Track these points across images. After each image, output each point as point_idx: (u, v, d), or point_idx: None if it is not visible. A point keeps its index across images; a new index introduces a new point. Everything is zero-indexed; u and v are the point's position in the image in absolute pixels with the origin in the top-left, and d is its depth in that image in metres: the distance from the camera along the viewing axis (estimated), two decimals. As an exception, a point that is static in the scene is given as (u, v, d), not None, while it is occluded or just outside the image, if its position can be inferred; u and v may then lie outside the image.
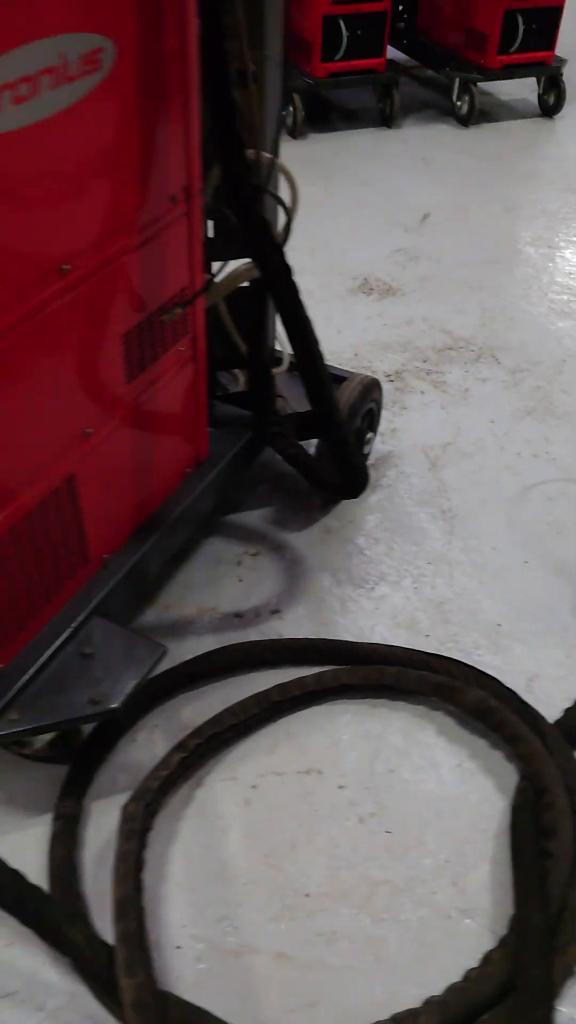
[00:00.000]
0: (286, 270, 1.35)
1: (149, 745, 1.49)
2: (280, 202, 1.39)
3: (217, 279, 1.52)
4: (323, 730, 1.53)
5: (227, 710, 1.50)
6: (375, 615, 1.73)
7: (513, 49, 3.68)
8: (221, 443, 1.75)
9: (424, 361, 2.44)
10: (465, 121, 3.82)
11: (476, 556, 1.85)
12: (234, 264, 1.59)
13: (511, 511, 1.96)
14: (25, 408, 1.17)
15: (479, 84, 3.77)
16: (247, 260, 1.52)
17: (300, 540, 1.88)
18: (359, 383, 1.86)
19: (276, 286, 1.36)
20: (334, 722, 1.54)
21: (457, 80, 3.79)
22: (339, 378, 2.01)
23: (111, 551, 1.50)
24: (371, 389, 1.91)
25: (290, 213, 1.49)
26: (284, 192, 1.54)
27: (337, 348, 2.45)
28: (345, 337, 2.50)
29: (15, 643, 1.32)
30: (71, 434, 1.28)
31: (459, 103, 3.82)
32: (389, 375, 2.37)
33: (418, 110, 4.01)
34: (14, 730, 1.27)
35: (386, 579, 1.80)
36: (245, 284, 1.57)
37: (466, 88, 3.77)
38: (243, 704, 1.51)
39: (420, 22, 4.09)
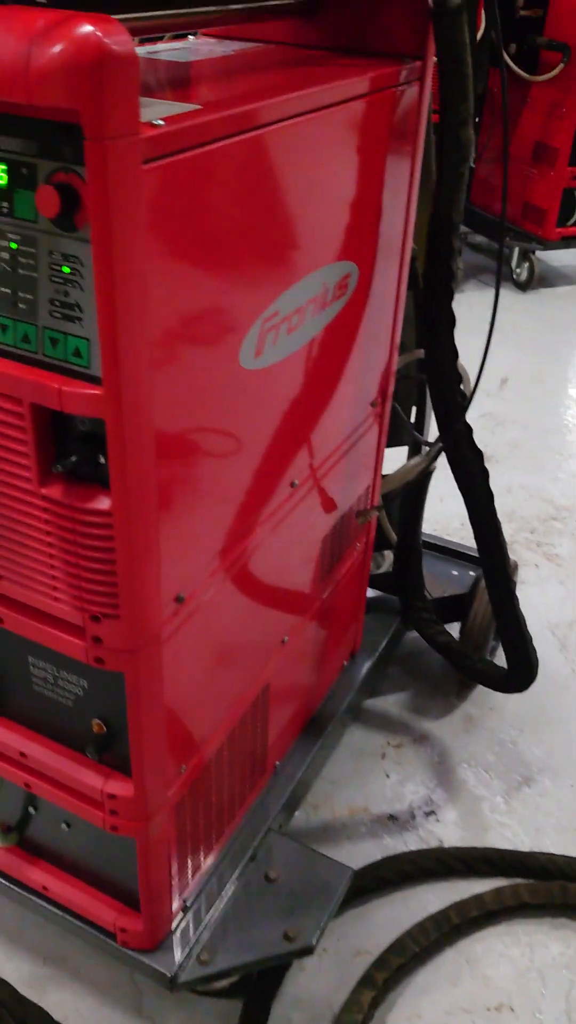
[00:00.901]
0: (485, 475, 1.33)
1: (320, 973, 1.37)
2: (462, 400, 1.38)
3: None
4: (506, 956, 1.40)
5: (407, 935, 1.38)
6: (536, 816, 1.62)
7: (571, 222, 3.84)
8: (370, 631, 1.69)
9: (532, 532, 2.41)
10: (524, 287, 3.96)
11: (630, 749, 1.76)
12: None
13: None
14: (247, 620, 1.11)
15: (536, 253, 3.92)
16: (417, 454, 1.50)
17: (442, 730, 1.80)
18: (504, 567, 1.81)
19: (474, 489, 1.34)
20: (517, 946, 1.42)
21: (516, 249, 3.94)
22: (477, 559, 1.98)
23: (281, 756, 1.41)
24: (513, 572, 1.86)
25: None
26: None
27: (443, 517, 2.43)
28: (448, 506, 2.48)
29: (201, 868, 1.22)
30: (274, 643, 1.22)
31: (518, 270, 3.96)
32: (499, 546, 2.33)
33: (475, 275, 4.16)
34: (207, 973, 1.15)
35: (540, 775, 1.70)
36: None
37: (525, 256, 3.92)
38: (422, 928, 1.39)
39: (473, 195, 4.29)
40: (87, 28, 0.58)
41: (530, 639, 1.50)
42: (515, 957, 1.40)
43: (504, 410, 3.02)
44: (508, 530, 2.42)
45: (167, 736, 0.98)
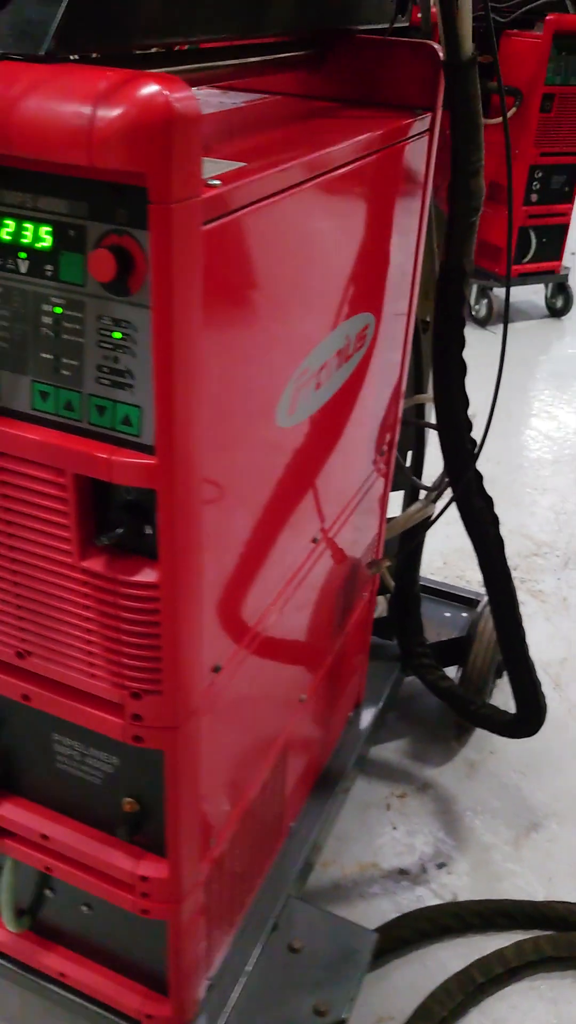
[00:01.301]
0: (496, 522, 1.32)
1: (345, 1045, 1.31)
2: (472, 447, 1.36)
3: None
4: (531, 1014, 1.36)
5: (433, 999, 1.33)
6: (547, 862, 1.60)
7: (526, 259, 3.91)
8: (371, 679, 1.66)
9: (514, 569, 2.39)
10: (483, 323, 4.01)
11: None
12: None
13: None
14: (271, 682, 1.07)
15: (494, 289, 3.99)
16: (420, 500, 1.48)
17: (445, 777, 1.76)
18: (501, 609, 1.80)
19: (485, 536, 1.32)
20: (541, 1002, 1.38)
21: (475, 286, 3.99)
22: (471, 600, 1.97)
23: (295, 817, 1.37)
24: (508, 613, 1.85)
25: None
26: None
27: (426, 557, 2.41)
28: (430, 543, 2.46)
29: (224, 942, 1.17)
30: (294, 702, 1.18)
31: (477, 307, 4.02)
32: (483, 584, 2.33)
33: (434, 312, 4.21)
34: (238, 1056, 1.10)
35: (547, 819, 1.68)
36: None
37: (484, 293, 3.98)
38: (446, 989, 1.35)
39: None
40: (154, 88, 0.55)
41: (539, 683, 1.49)
42: (540, 1014, 1.37)
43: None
44: (491, 568, 2.41)
45: (201, 811, 0.93)
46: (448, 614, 1.95)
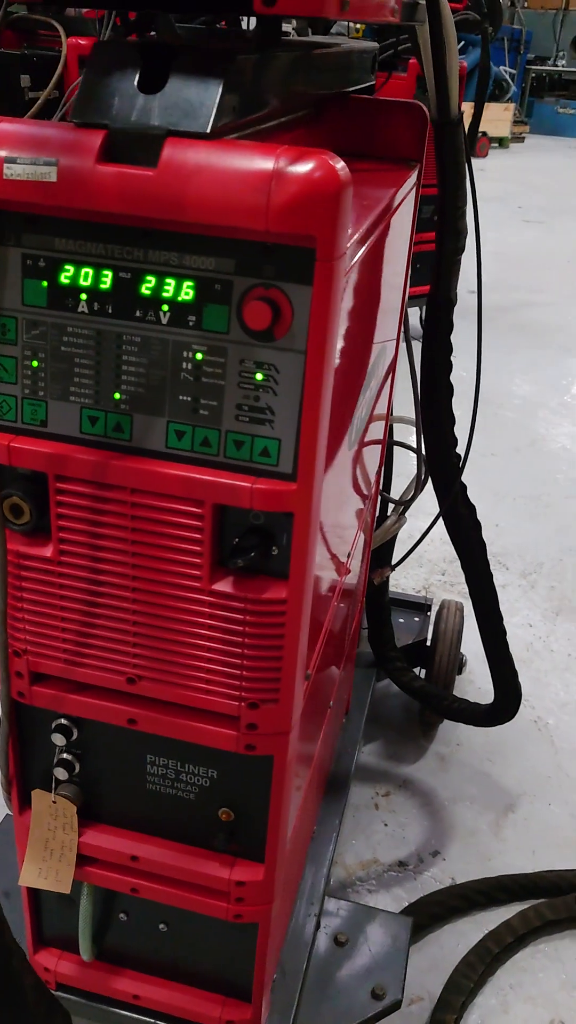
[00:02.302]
0: (478, 528, 1.45)
1: (384, 1029, 1.39)
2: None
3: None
4: (543, 974, 1.49)
5: (458, 972, 1.44)
6: (527, 839, 1.74)
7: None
8: (354, 686, 1.75)
9: (443, 574, 2.57)
10: (368, 346, 4.21)
11: (588, 762, 1.92)
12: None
13: (594, 712, 2.06)
14: (320, 687, 1.15)
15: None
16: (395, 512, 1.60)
17: (420, 772, 1.88)
18: (457, 610, 1.94)
19: (470, 542, 1.45)
20: (548, 960, 1.51)
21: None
22: (420, 605, 2.10)
23: (315, 821, 1.44)
24: (462, 613, 2.00)
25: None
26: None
27: (361, 570, 2.54)
28: (362, 558, 2.60)
29: (280, 944, 1.23)
30: (325, 708, 1.26)
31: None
32: (418, 591, 2.47)
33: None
34: (312, 1048, 1.16)
35: (520, 798, 1.82)
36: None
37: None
38: (468, 963, 1.45)
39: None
40: (320, 161, 0.64)
41: (517, 673, 1.63)
42: (552, 973, 1.49)
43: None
44: (421, 574, 2.57)
45: (289, 813, 1.00)
46: (402, 620, 2.08)
